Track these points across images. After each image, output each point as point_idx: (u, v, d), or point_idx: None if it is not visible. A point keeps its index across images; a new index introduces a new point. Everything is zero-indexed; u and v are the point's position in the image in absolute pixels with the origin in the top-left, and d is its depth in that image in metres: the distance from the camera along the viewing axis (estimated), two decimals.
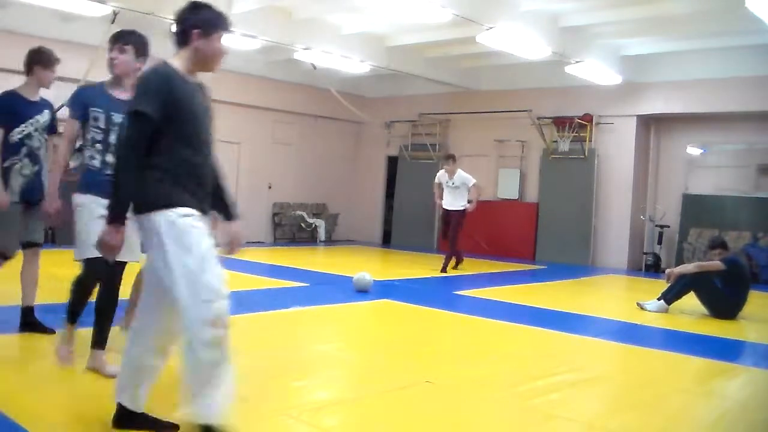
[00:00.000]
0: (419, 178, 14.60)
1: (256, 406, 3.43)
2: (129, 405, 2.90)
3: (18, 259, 4.85)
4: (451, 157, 10.52)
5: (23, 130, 4.75)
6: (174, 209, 2.69)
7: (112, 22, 9.48)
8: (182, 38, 3.01)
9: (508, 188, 13.55)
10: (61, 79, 11.47)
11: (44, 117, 5.01)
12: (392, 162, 15.34)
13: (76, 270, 4.83)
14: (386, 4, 8.51)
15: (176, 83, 2.85)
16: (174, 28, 3.02)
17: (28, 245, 4.81)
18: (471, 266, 10.88)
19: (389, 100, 15.17)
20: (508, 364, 4.70)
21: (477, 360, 4.76)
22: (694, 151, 12.45)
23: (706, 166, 12.46)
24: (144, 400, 2.92)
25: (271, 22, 10.12)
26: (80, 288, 3.97)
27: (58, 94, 11.25)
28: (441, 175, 10.41)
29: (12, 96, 4.82)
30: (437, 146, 14.37)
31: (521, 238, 13.12)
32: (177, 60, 2.98)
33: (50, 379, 3.63)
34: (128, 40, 3.88)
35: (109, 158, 3.78)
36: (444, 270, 9.89)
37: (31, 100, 4.86)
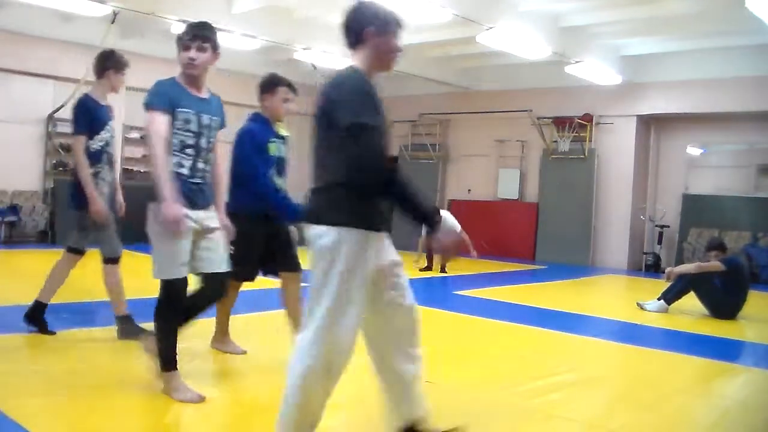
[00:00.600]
0: (419, 178, 14.59)
1: (256, 407, 3.42)
2: (407, 421, 2.80)
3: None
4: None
5: (103, 137, 4.62)
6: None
7: (112, 22, 9.49)
8: (356, 38, 2.78)
9: (508, 188, 13.55)
10: (60, 79, 11.63)
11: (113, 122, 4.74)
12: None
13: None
14: (386, 4, 8.50)
15: (376, 91, 2.67)
16: (344, 30, 2.79)
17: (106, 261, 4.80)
18: (471, 266, 10.88)
19: (389, 100, 14.79)
20: (508, 364, 4.70)
21: (477, 360, 4.75)
22: (694, 151, 12.46)
23: (706, 166, 12.47)
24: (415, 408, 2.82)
25: (271, 22, 10.12)
26: (172, 314, 3.34)
27: (57, 94, 11.35)
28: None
29: (92, 101, 4.60)
30: (437, 146, 14.37)
31: (521, 238, 13.12)
32: (356, 62, 2.76)
33: (52, 379, 3.62)
34: (207, 37, 3.59)
35: (201, 165, 3.47)
36: (443, 270, 9.87)
37: (103, 104, 4.67)
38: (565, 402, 3.80)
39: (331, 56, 11.10)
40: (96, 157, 4.50)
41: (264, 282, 4.65)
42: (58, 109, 10.83)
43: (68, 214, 4.60)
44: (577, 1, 9.22)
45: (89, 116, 4.47)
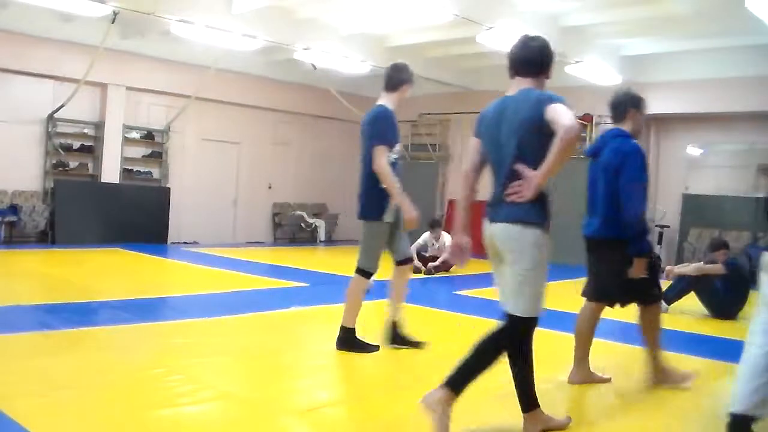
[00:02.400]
0: (419, 178, 14.59)
1: (256, 406, 3.43)
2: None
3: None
4: (438, 223, 10.26)
5: (397, 150, 4.70)
6: None
7: (112, 22, 9.49)
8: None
9: None
10: (60, 79, 11.63)
11: None
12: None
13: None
14: (386, 4, 8.51)
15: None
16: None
17: (403, 262, 4.86)
18: (471, 266, 10.85)
19: None
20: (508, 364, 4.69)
21: None
22: (694, 151, 12.45)
23: (706, 166, 12.46)
24: None
25: (271, 22, 10.12)
26: (530, 350, 3.14)
27: (57, 93, 11.35)
28: (427, 239, 10.05)
29: (392, 114, 4.62)
30: (437, 146, 14.37)
31: None
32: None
33: (52, 379, 3.62)
34: None
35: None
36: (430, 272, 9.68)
37: None
38: (565, 402, 3.80)
39: (331, 56, 11.10)
40: (392, 169, 4.56)
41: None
42: (58, 109, 10.84)
43: (366, 225, 4.64)
44: (577, 1, 9.21)
45: (393, 129, 4.58)
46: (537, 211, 3.15)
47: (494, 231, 3.25)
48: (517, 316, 3.07)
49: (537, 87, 3.17)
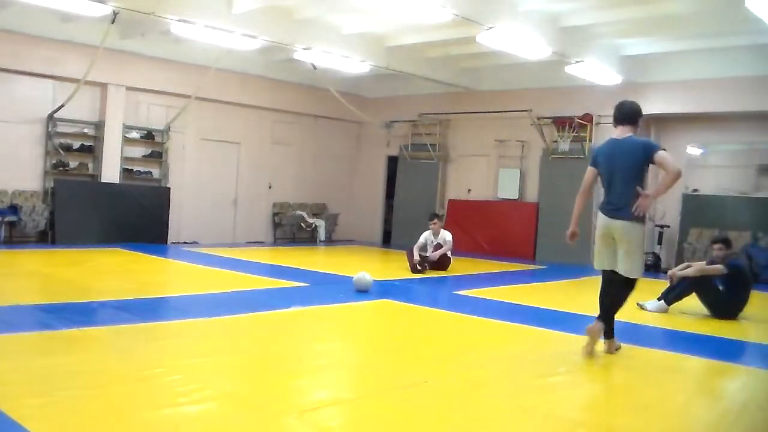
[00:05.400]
0: (419, 178, 14.61)
1: (256, 406, 3.43)
2: None
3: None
4: (437, 216, 10.28)
5: None
6: None
7: (112, 22, 9.50)
8: None
9: (508, 188, 13.55)
10: (60, 79, 11.63)
11: None
12: (392, 162, 15.34)
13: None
14: (386, 4, 8.51)
15: None
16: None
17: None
18: (471, 266, 10.89)
19: (389, 100, 15.17)
20: (508, 364, 4.70)
21: (477, 360, 4.75)
22: (694, 151, 12.45)
23: (705, 166, 12.46)
24: None
25: (271, 22, 10.12)
26: (627, 297, 5.04)
27: (57, 93, 11.36)
28: (427, 236, 10.04)
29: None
30: (437, 146, 14.37)
31: (521, 238, 13.12)
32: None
33: (52, 379, 3.62)
34: None
35: None
36: (420, 268, 9.58)
37: None
38: (565, 402, 3.80)
39: (331, 56, 11.10)
40: None
41: None
42: (58, 109, 10.84)
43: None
44: (577, 1, 9.21)
45: None
46: (642, 215, 4.73)
47: (615, 225, 4.81)
48: (634, 278, 4.85)
49: (633, 132, 4.89)
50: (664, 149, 4.73)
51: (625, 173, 4.74)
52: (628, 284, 4.89)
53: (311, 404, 3.56)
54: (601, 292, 5.05)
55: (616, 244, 4.84)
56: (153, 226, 11.81)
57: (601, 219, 4.95)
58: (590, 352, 4.80)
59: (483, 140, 13.87)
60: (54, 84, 10.96)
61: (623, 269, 4.82)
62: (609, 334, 4.92)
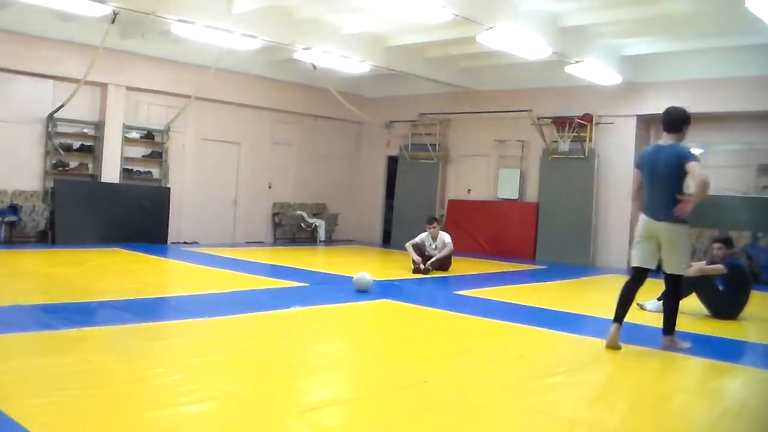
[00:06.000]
0: (419, 178, 14.61)
1: (256, 406, 3.43)
2: None
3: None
4: (435, 220, 10.23)
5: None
6: None
7: (112, 22, 9.50)
8: None
9: (508, 188, 13.55)
10: (60, 79, 11.63)
11: None
12: (392, 162, 15.34)
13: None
14: (386, 4, 8.50)
15: None
16: None
17: None
18: (471, 266, 10.89)
19: (389, 100, 15.17)
20: (508, 363, 4.70)
21: (476, 360, 4.75)
22: (694, 151, 12.43)
23: (706, 166, 12.41)
24: None
25: (271, 22, 10.12)
26: (678, 293, 5.38)
27: (57, 93, 11.36)
28: (425, 237, 9.99)
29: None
30: (437, 146, 14.37)
31: (521, 238, 13.12)
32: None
33: (52, 379, 3.63)
34: None
35: None
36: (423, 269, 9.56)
37: None
38: (565, 402, 3.80)
39: (331, 56, 11.10)
40: None
41: None
42: (58, 109, 10.84)
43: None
44: (577, 1, 9.21)
45: None
46: (683, 218, 5.08)
47: (659, 226, 5.15)
48: (679, 274, 5.20)
49: (679, 139, 5.21)
50: (697, 160, 5.03)
51: (664, 179, 5.10)
52: (674, 281, 5.24)
53: (311, 404, 3.56)
54: (624, 285, 5.34)
55: (658, 243, 5.20)
56: (153, 226, 11.82)
57: (642, 220, 5.29)
58: (615, 345, 5.14)
59: (483, 140, 13.87)
60: (54, 84, 10.96)
61: (666, 267, 5.20)
62: (669, 330, 5.25)
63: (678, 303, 5.34)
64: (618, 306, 5.19)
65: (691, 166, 4.98)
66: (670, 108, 5.31)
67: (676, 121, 5.22)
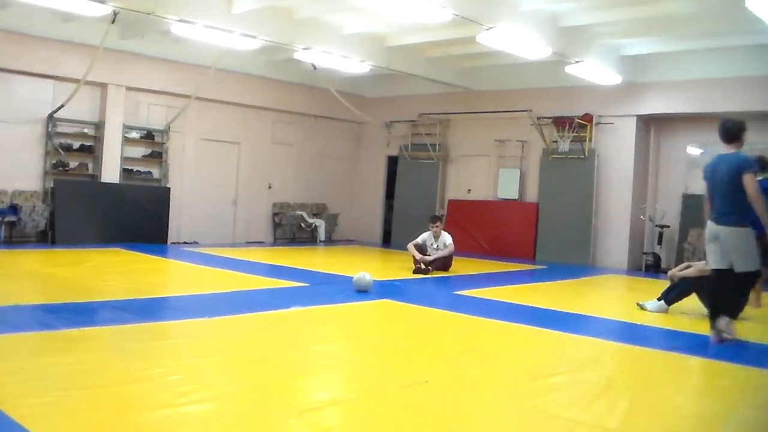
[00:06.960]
0: (419, 178, 14.60)
1: (256, 406, 3.43)
2: None
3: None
4: (438, 219, 10.24)
5: None
6: None
7: (112, 22, 9.50)
8: None
9: (508, 188, 13.55)
10: (60, 79, 11.62)
11: None
12: (392, 162, 15.34)
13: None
14: (386, 4, 8.50)
15: None
16: None
17: None
18: (471, 266, 10.88)
19: (389, 100, 15.17)
20: (508, 363, 4.70)
21: (477, 360, 4.75)
22: (694, 151, 12.45)
23: None
24: None
25: (271, 22, 10.12)
26: (748, 285, 5.84)
27: (57, 93, 11.36)
28: (427, 237, 9.99)
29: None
30: (437, 146, 14.38)
31: (521, 238, 13.12)
32: None
33: (52, 379, 3.63)
34: None
35: None
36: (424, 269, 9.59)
37: None
38: (565, 402, 3.80)
39: (331, 56, 11.10)
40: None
41: None
42: (58, 109, 10.84)
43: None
44: (577, 1, 9.21)
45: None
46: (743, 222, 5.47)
47: (720, 230, 5.50)
48: (748, 270, 5.48)
49: (737, 148, 5.59)
50: (754, 170, 5.39)
51: (724, 186, 5.47)
52: (747, 277, 5.58)
53: (311, 404, 3.56)
54: (708, 290, 5.87)
55: (723, 246, 5.52)
56: (153, 226, 11.81)
57: (709, 225, 5.66)
58: (720, 340, 5.51)
59: (483, 140, 13.87)
60: (54, 84, 10.96)
61: (737, 266, 5.48)
62: (729, 313, 5.59)
63: (745, 298, 5.97)
64: (710, 314, 5.66)
65: (746, 179, 5.32)
66: (725, 120, 5.73)
67: (735, 132, 5.64)
